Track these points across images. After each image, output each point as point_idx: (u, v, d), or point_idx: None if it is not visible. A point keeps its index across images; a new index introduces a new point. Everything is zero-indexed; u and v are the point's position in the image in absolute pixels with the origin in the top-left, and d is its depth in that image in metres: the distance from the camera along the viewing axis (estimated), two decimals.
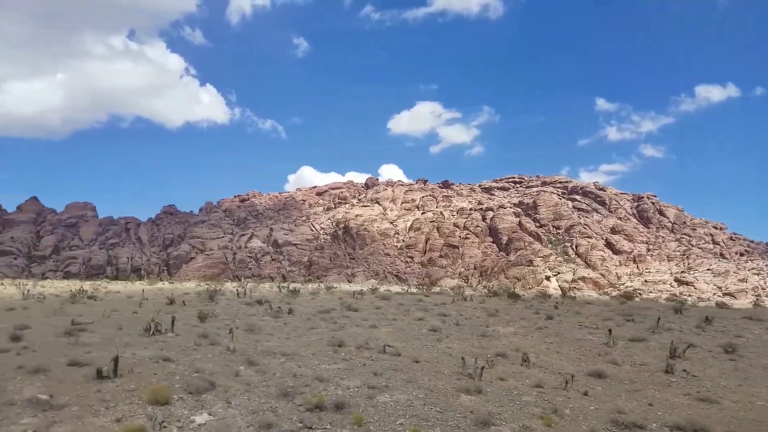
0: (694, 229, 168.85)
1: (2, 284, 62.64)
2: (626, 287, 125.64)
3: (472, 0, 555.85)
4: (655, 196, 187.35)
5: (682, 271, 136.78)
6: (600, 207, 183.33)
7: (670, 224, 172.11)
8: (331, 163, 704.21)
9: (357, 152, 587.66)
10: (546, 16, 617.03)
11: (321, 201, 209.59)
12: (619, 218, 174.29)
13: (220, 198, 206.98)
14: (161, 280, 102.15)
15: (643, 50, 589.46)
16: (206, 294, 36.80)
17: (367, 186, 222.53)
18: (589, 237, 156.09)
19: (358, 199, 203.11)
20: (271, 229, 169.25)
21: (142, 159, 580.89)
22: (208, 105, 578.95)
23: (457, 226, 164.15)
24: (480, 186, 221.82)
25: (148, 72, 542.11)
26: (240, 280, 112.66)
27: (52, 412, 11.79)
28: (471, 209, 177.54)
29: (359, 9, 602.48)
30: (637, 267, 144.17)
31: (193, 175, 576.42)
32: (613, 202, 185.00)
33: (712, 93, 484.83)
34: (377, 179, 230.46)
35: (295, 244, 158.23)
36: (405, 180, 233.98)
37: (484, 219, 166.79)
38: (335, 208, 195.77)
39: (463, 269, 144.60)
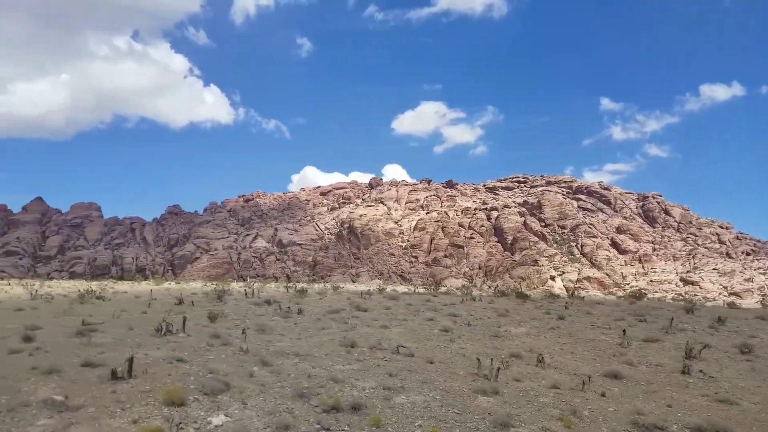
0: (700, 229, 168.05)
1: (9, 284, 62.74)
2: (631, 287, 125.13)
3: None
4: (660, 196, 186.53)
5: (687, 271, 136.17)
6: (605, 206, 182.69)
7: (675, 224, 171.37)
8: (335, 163, 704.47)
9: (360, 152, 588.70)
10: (550, 15, 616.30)
11: (325, 201, 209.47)
12: (625, 218, 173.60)
13: (225, 198, 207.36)
14: (167, 280, 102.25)
15: (647, 49, 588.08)
16: (214, 294, 36.72)
17: (371, 186, 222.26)
18: (595, 237, 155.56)
19: (362, 199, 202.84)
20: (276, 229, 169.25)
21: (147, 159, 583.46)
22: (212, 105, 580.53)
23: (462, 226, 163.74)
24: (484, 186, 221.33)
25: (152, 72, 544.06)
26: (245, 280, 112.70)
27: (68, 414, 11.68)
28: (475, 209, 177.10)
29: (363, 9, 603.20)
30: (643, 267, 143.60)
31: (197, 175, 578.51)
32: (618, 201, 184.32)
33: (717, 92, 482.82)
34: (381, 179, 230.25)
35: (299, 244, 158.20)
36: (409, 180, 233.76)
37: (488, 219, 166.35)
38: (339, 208, 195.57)
39: (467, 269, 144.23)
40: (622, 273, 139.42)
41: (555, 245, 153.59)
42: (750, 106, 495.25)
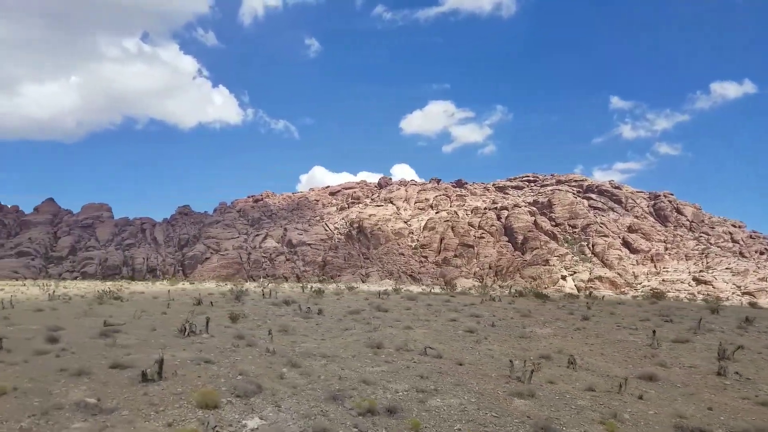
0: (713, 228, 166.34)
1: (24, 284, 63.02)
2: (644, 287, 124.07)
3: None
4: (672, 194, 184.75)
5: (700, 271, 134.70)
6: (616, 205, 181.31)
7: (687, 223, 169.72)
8: (343, 163, 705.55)
9: (369, 152, 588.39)
10: (559, 13, 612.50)
11: (334, 201, 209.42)
12: (636, 217, 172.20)
13: (234, 198, 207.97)
14: (179, 280, 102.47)
15: (656, 47, 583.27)
16: (232, 294, 36.54)
17: (380, 186, 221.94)
18: (606, 236, 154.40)
19: (372, 199, 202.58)
20: (285, 229, 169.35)
21: (156, 160, 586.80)
22: (221, 106, 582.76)
23: (472, 226, 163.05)
24: (494, 185, 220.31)
25: (162, 74, 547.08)
26: (255, 280, 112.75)
27: (102, 417, 11.47)
28: (485, 208, 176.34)
29: (371, 9, 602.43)
30: (655, 266, 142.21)
31: (206, 175, 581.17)
32: (630, 200, 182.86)
33: (728, 90, 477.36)
34: (390, 179, 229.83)
35: (309, 244, 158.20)
36: (418, 180, 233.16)
37: (498, 218, 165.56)
38: (348, 207, 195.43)
39: (478, 269, 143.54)
40: (633, 272, 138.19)
41: (566, 245, 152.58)
42: (762, 104, 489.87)
